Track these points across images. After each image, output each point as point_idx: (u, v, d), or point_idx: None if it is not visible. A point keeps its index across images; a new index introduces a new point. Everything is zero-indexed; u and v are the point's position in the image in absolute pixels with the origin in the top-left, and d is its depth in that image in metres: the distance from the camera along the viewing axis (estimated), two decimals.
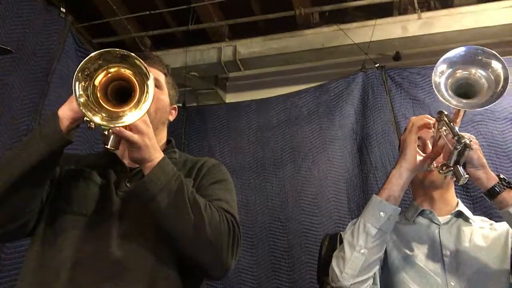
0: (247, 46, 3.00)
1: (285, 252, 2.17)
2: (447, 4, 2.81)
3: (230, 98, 3.39)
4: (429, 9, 2.85)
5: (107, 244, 0.97)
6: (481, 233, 1.21)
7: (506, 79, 1.01)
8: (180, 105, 2.71)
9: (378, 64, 2.42)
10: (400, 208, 1.12)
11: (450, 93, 1.04)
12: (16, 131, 1.78)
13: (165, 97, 1.23)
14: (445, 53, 1.07)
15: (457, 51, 1.06)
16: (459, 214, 1.26)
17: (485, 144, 2.02)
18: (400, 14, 2.86)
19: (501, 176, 1.07)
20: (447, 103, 1.02)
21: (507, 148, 2.01)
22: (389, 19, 2.77)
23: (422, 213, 1.29)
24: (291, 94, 2.56)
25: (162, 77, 1.24)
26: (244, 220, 2.26)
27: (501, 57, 1.04)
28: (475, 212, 1.32)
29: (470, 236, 1.20)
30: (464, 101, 1.03)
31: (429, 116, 1.15)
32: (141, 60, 0.89)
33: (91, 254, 0.96)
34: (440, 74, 1.05)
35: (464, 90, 1.06)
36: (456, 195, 1.34)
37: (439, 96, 1.03)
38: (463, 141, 0.98)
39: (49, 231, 1.01)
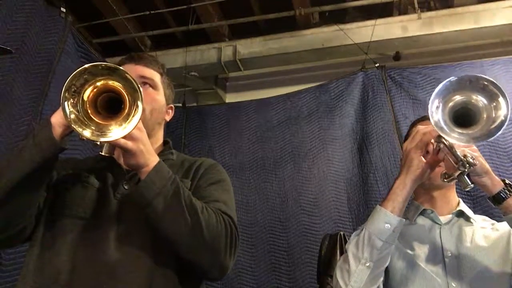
0: (247, 46, 3.00)
1: (285, 252, 2.17)
2: (447, 4, 2.81)
3: (230, 98, 3.39)
4: (429, 9, 2.85)
5: (105, 246, 0.97)
6: (482, 233, 1.20)
7: (504, 119, 0.97)
8: (178, 104, 2.71)
9: (378, 64, 2.42)
10: (404, 219, 1.11)
11: (449, 124, 1.00)
12: (16, 131, 1.78)
13: (160, 97, 1.23)
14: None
15: (446, 82, 1.01)
16: (461, 214, 1.25)
17: (485, 143, 2.01)
18: (400, 14, 2.86)
19: (507, 181, 1.06)
20: (447, 137, 0.99)
21: (507, 148, 2.01)
22: (389, 19, 2.77)
23: (423, 212, 1.28)
24: (291, 94, 2.57)
25: (157, 77, 1.23)
26: (244, 219, 2.26)
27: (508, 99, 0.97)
28: (475, 212, 1.31)
29: (472, 236, 1.19)
30: (464, 132, 1.00)
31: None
32: (130, 74, 0.89)
33: (90, 256, 0.97)
34: (436, 110, 1.01)
35: (463, 114, 1.03)
36: (457, 195, 1.33)
37: (441, 133, 0.99)
38: (467, 164, 0.97)
39: (48, 234, 1.02)
